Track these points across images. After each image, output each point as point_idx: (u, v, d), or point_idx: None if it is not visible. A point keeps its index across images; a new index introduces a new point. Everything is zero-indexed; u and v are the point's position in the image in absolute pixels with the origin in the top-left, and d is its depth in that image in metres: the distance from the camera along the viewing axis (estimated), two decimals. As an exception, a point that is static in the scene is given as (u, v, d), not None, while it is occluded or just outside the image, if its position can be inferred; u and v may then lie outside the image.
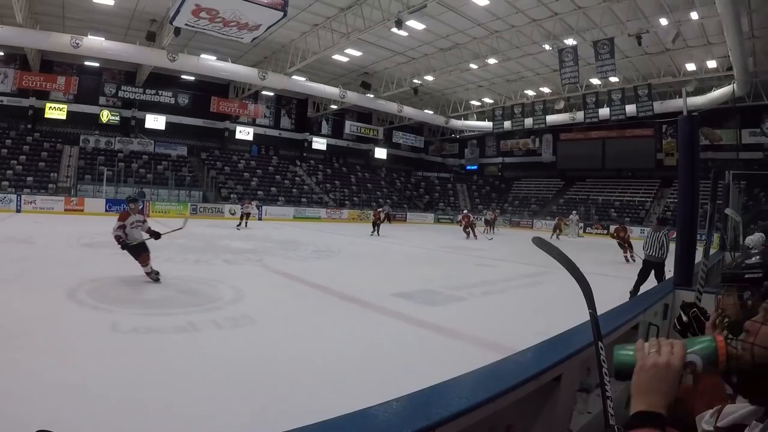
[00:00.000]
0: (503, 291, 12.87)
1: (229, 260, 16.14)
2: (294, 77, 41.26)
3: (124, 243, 11.49)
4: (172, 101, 46.70)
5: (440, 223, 51.95)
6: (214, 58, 39.62)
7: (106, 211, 35.28)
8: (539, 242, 2.18)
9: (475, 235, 31.09)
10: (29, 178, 38.01)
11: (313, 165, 55.11)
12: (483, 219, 38.36)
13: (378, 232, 30.71)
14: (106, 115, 45.63)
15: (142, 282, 11.46)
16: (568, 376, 2.69)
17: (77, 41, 33.94)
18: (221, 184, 45.11)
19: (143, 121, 47.29)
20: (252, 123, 52.95)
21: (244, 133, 52.13)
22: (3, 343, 6.68)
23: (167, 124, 47.87)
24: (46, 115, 44.13)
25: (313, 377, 6.09)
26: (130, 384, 5.56)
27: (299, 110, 55.46)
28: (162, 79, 45.15)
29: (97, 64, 44.29)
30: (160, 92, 45.96)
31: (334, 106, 52.26)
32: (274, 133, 54.55)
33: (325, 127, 58.30)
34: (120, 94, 45.21)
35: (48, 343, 6.87)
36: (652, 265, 11.61)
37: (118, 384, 5.56)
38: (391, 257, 19.72)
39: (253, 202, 30.16)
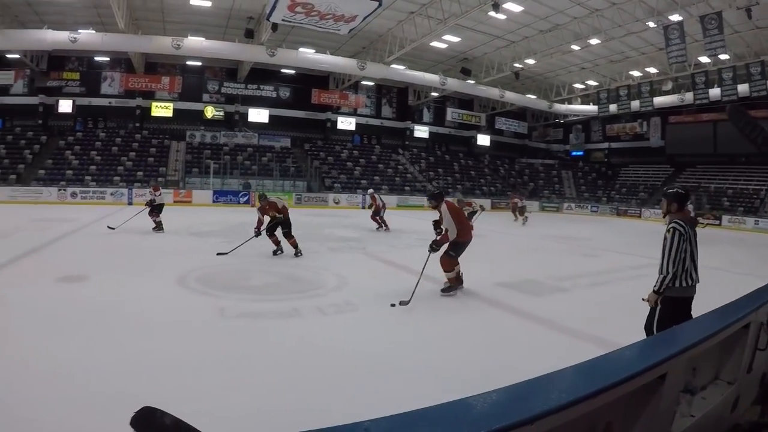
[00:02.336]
0: (608, 283, 12.40)
1: (333, 248, 16.44)
2: (393, 66, 41.18)
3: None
4: (274, 95, 47.72)
5: (545, 211, 49.83)
6: (313, 50, 40.03)
7: (213, 202, 36.96)
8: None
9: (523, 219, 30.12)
10: (139, 173, 39.95)
11: (416, 153, 54.55)
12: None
13: (523, 221, 30.00)
14: (210, 111, 47.19)
15: (249, 269, 11.88)
16: (673, 375, 2.54)
17: (178, 43, 35.22)
18: (325, 174, 45.47)
19: (246, 115, 48.37)
20: (353, 113, 53.00)
21: (346, 123, 52.29)
22: (117, 325, 7.23)
23: (270, 116, 48.69)
24: (153, 114, 46.37)
25: (413, 364, 6.08)
26: (235, 366, 5.85)
27: (400, 99, 55.07)
28: (263, 73, 46.10)
29: (198, 63, 45.90)
30: (261, 87, 47.06)
31: (434, 94, 52.13)
32: (376, 122, 54.44)
33: (426, 115, 57.53)
34: (223, 90, 47.06)
35: (158, 326, 7.33)
36: None
37: (225, 366, 5.84)
38: (494, 246, 19.27)
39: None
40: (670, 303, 5.36)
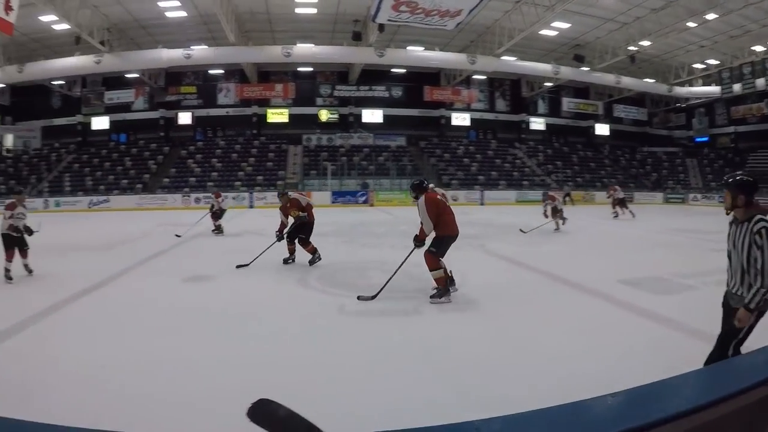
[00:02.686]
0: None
1: (454, 245, 16.04)
2: (503, 58, 40.68)
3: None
4: (387, 94, 48.41)
5: (669, 203, 46.52)
6: (422, 48, 40.18)
7: (332, 203, 37.75)
8: None
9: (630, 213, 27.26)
10: (259, 177, 42.12)
11: (533, 146, 53.22)
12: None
13: (630, 213, 27.57)
14: (324, 114, 48.47)
15: (368, 267, 12.00)
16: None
17: (288, 51, 36.44)
18: (442, 171, 45.32)
19: (360, 116, 49.16)
20: (467, 108, 52.72)
21: (460, 119, 52.11)
22: (240, 323, 7.63)
23: (384, 116, 49.23)
24: (269, 120, 48.74)
25: (532, 363, 5.87)
26: (355, 364, 5.90)
27: (513, 91, 54.11)
28: (373, 74, 46.72)
29: (310, 69, 47.24)
30: (373, 87, 47.94)
31: (548, 84, 50.77)
32: (490, 116, 53.76)
33: (541, 106, 56.24)
34: (335, 93, 48.50)
35: (278, 324, 7.61)
36: None
37: (345, 363, 5.90)
38: (617, 240, 18.58)
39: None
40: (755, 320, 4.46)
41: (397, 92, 49.43)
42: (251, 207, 37.47)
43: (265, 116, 48.99)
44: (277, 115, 48.78)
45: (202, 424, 4.43)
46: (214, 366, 5.84)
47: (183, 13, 35.26)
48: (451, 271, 9.24)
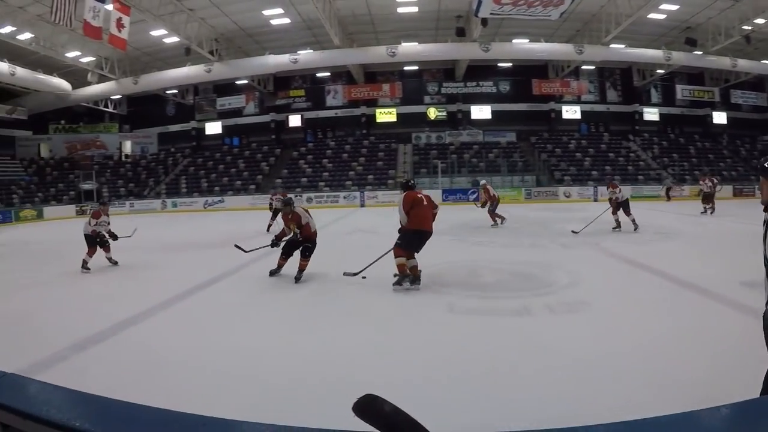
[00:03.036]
0: None
1: (564, 244, 15.65)
2: (612, 46, 39.19)
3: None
4: (494, 90, 47.91)
5: None
6: (527, 40, 39.51)
7: (443, 201, 37.19)
8: None
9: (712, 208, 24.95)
10: (370, 176, 42.76)
11: (647, 138, 50.61)
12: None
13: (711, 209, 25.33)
14: (432, 112, 48.47)
15: (479, 266, 11.89)
16: None
17: (393, 50, 36.67)
18: (554, 167, 44.28)
19: (469, 113, 48.79)
20: (577, 100, 51.18)
21: (571, 112, 50.69)
22: (352, 320, 7.88)
23: (492, 112, 48.65)
24: (378, 120, 49.25)
25: (639, 370, 5.53)
26: (462, 362, 5.81)
27: (624, 80, 52.05)
28: (480, 70, 46.35)
29: (415, 67, 47.58)
30: (480, 83, 47.54)
31: (660, 71, 48.63)
32: (602, 108, 51.84)
33: (654, 95, 53.66)
34: (442, 90, 48.48)
35: (386, 319, 7.85)
36: None
37: (451, 361, 5.84)
38: (739, 238, 17.76)
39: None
40: None
41: (505, 87, 48.72)
42: (362, 206, 38.07)
43: (373, 116, 49.56)
44: (386, 115, 49.23)
45: (309, 416, 4.43)
46: (324, 359, 6.02)
47: (287, 20, 36.07)
48: (420, 271, 9.95)
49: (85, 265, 13.15)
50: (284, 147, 49.94)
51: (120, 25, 27.59)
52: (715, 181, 26.29)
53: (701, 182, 26.23)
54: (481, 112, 48.63)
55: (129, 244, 14.26)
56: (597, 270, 11.48)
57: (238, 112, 51.97)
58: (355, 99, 48.84)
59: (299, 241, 11.21)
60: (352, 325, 7.54)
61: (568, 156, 46.15)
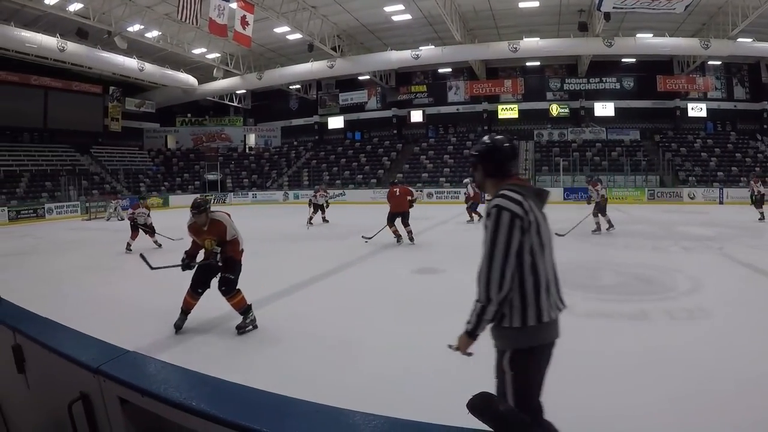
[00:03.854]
0: None
1: (687, 248, 15.16)
2: (739, 40, 37.23)
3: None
4: (617, 86, 46.69)
5: None
6: (650, 35, 38.20)
7: (564, 199, 36.98)
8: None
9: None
10: None
11: None
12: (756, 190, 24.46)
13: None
14: (555, 109, 47.80)
15: (600, 268, 11.81)
16: None
17: (515, 46, 36.60)
18: (678, 167, 42.25)
19: (592, 109, 47.74)
20: (703, 97, 48.89)
21: (696, 110, 48.34)
22: (460, 316, 7.54)
23: (615, 109, 47.42)
24: (500, 116, 48.92)
25: (765, 385, 5.31)
26: (577, 364, 5.56)
27: (752, 76, 48.90)
28: (603, 65, 45.12)
29: (537, 63, 47.06)
30: (603, 79, 46.41)
31: (790, 66, 46.49)
32: (728, 105, 48.93)
33: None
34: (565, 87, 47.73)
35: None
36: None
37: (566, 363, 5.57)
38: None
39: None
40: None
41: (629, 83, 47.23)
42: (483, 202, 37.35)
43: (495, 112, 49.21)
44: (508, 111, 48.84)
45: (419, 409, 4.46)
46: (438, 354, 5.90)
47: (408, 16, 36.22)
48: (404, 235, 16.40)
49: (128, 247, 16.11)
50: (405, 142, 50.61)
51: (244, 22, 28.55)
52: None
53: (753, 182, 23.96)
54: (604, 109, 47.47)
55: (251, 234, 14.73)
56: (720, 276, 11.13)
57: (360, 107, 53.06)
58: (476, 95, 48.71)
59: (217, 265, 7.55)
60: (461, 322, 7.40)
61: (693, 156, 44.07)
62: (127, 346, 2.61)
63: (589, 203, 19.00)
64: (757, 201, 23.06)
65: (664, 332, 7.20)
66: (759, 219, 22.37)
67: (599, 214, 18.24)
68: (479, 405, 1.43)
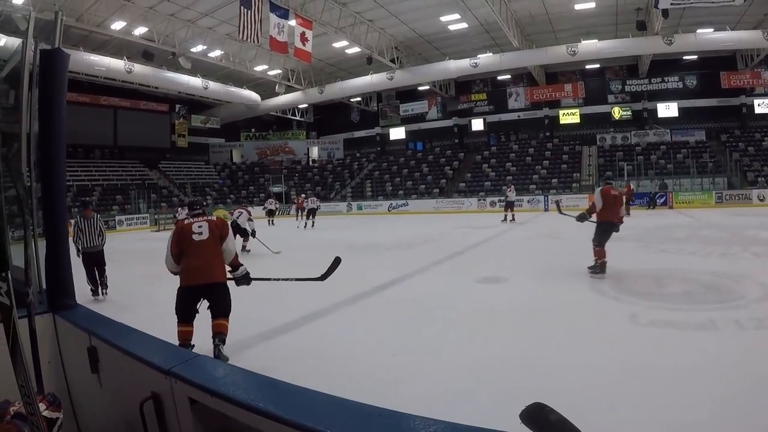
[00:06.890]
0: None
1: (758, 253, 14.50)
2: None
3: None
4: (680, 85, 45.76)
5: None
6: (711, 30, 37.22)
7: (629, 205, 35.68)
8: None
9: None
10: (554, 180, 42.69)
11: None
12: None
13: None
14: (617, 112, 47.36)
15: (665, 276, 11.46)
16: None
17: (573, 49, 36.54)
18: (746, 168, 40.61)
19: (655, 111, 46.86)
20: (769, 93, 47.97)
21: (763, 106, 46.16)
22: (533, 326, 7.92)
23: (679, 109, 46.39)
24: (561, 121, 48.79)
25: None
26: (644, 376, 5.64)
27: None
28: (663, 64, 44.13)
29: (597, 66, 46.65)
30: (665, 79, 45.58)
31: None
32: None
33: None
34: (626, 88, 47.09)
35: (566, 327, 7.73)
36: None
37: (633, 374, 5.71)
38: None
39: None
40: None
41: (691, 81, 46.00)
42: (546, 210, 37.60)
43: (556, 118, 48.93)
44: (569, 116, 48.55)
45: (476, 416, 4.55)
46: (497, 364, 6.15)
47: (464, 25, 36.50)
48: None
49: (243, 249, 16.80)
50: (467, 151, 50.95)
51: (304, 39, 29.18)
52: None
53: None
54: (667, 109, 46.46)
55: (318, 244, 15.08)
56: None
57: (421, 117, 53.72)
58: (537, 101, 48.61)
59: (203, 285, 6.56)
60: (528, 331, 7.57)
61: (762, 155, 42.05)
62: (197, 351, 2.83)
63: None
64: None
65: (731, 342, 6.99)
66: None
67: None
68: (533, 415, 1.56)
